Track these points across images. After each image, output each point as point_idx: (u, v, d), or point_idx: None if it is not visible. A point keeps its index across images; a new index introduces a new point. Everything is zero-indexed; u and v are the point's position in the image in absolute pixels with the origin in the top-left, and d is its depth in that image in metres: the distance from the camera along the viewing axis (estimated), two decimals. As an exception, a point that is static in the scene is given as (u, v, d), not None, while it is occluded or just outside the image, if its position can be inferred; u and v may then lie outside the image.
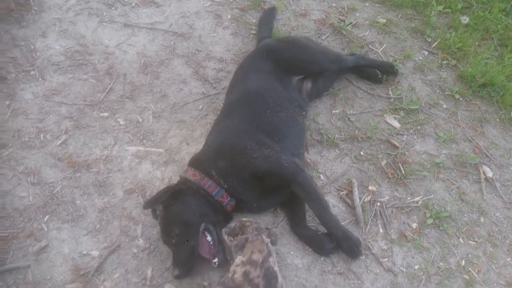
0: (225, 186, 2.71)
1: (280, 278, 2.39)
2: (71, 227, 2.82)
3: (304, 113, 3.25)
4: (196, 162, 2.83)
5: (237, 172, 2.72)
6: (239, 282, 2.29)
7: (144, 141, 3.22)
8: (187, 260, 2.58)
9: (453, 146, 3.44)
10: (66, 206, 2.89)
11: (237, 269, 2.35)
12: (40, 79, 3.39)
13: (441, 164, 3.32)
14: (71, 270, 2.65)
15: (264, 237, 2.49)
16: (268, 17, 3.91)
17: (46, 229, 2.79)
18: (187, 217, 2.62)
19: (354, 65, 3.60)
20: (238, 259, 2.40)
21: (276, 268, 2.40)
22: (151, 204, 2.68)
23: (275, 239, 2.58)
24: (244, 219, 2.58)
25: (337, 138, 3.35)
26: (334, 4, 4.23)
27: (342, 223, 2.90)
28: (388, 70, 3.70)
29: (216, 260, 2.61)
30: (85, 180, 3.00)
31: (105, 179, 3.02)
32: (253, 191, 2.72)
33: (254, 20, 3.99)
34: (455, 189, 3.22)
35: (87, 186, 2.98)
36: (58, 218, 2.84)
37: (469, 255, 2.95)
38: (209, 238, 2.65)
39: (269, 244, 2.48)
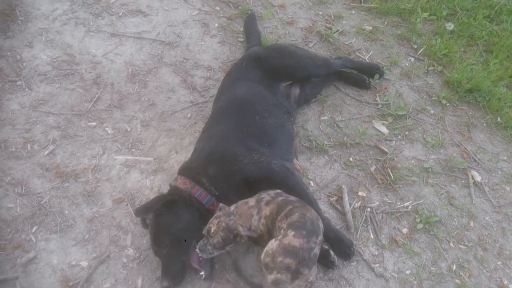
0: (216, 193, 2.70)
1: None
2: (60, 238, 2.79)
3: (292, 119, 3.27)
4: (186, 170, 2.82)
5: (228, 179, 2.72)
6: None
7: (133, 150, 3.21)
8: (177, 272, 2.57)
9: (441, 151, 3.47)
10: (54, 216, 2.86)
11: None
12: (26, 89, 3.37)
13: (430, 169, 3.35)
14: (60, 281, 2.62)
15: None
16: (251, 24, 3.94)
17: (34, 240, 2.76)
18: (179, 230, 2.61)
19: (342, 68, 3.63)
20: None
21: None
22: (143, 212, 2.65)
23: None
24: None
25: (326, 144, 3.37)
26: (320, 12, 4.27)
27: (333, 229, 2.91)
28: (375, 71, 3.75)
29: (202, 273, 2.60)
30: (73, 190, 2.98)
31: (93, 189, 3.00)
32: (244, 197, 2.72)
33: (241, 29, 4.02)
34: (444, 193, 3.25)
35: (76, 196, 2.96)
36: (46, 229, 2.81)
37: (460, 260, 2.97)
38: (198, 251, 2.62)
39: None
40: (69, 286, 2.60)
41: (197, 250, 2.57)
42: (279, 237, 2.34)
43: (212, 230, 2.46)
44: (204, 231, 2.51)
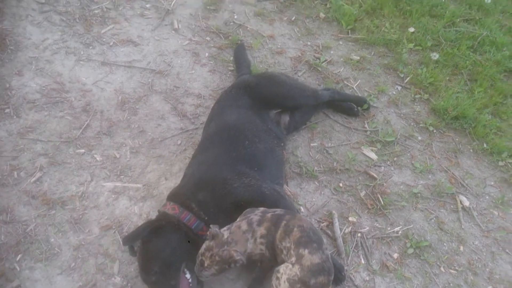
0: (206, 218, 2.66)
1: None
2: (45, 266, 2.71)
3: (282, 144, 3.27)
4: (174, 196, 2.79)
5: (218, 203, 2.69)
6: None
7: (122, 176, 3.18)
8: None
9: (430, 176, 3.49)
10: (40, 244, 2.80)
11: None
12: (14, 116, 3.35)
13: (419, 194, 3.35)
14: (44, 311, 2.54)
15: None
16: (241, 53, 3.99)
17: (18, 269, 2.68)
18: (168, 255, 2.55)
19: (330, 100, 3.67)
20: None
21: None
22: (130, 240, 2.59)
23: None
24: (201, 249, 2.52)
25: (316, 170, 3.37)
26: (309, 43, 4.34)
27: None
28: (362, 104, 3.79)
29: None
30: (59, 218, 2.92)
31: (80, 216, 2.95)
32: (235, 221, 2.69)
33: (231, 58, 4.06)
34: (434, 218, 3.25)
35: (62, 224, 2.90)
36: (31, 257, 2.74)
37: (451, 284, 2.94)
38: (188, 275, 2.58)
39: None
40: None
41: (186, 275, 2.52)
42: (294, 260, 2.34)
43: (206, 264, 2.42)
44: (197, 263, 2.47)
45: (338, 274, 2.75)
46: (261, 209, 2.59)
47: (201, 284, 2.63)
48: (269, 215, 2.52)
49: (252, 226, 2.48)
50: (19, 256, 2.73)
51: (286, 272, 2.33)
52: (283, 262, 2.45)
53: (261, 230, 2.47)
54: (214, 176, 2.78)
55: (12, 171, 3.08)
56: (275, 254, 2.50)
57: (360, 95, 3.92)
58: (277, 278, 2.36)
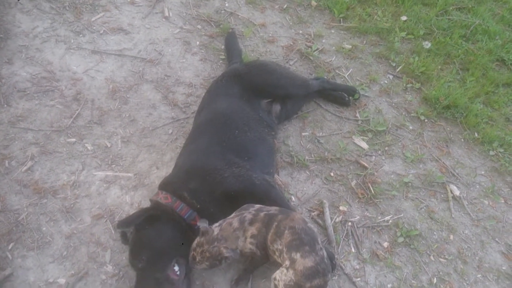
0: (198, 207, 2.70)
1: None
2: (37, 255, 2.75)
3: (273, 133, 3.31)
4: (166, 185, 2.82)
5: (209, 192, 2.73)
6: None
7: (113, 166, 3.21)
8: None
9: (421, 166, 3.54)
10: (32, 233, 2.83)
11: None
12: (5, 105, 3.35)
13: (410, 184, 3.41)
14: (36, 299, 2.59)
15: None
16: (232, 42, 4.01)
17: (10, 257, 2.71)
18: (159, 246, 2.59)
19: (320, 89, 3.70)
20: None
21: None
22: (125, 224, 2.63)
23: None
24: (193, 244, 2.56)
25: (307, 159, 3.41)
26: (300, 31, 4.36)
27: (314, 244, 2.93)
28: (351, 93, 3.83)
29: None
30: (51, 207, 2.95)
31: (72, 205, 2.98)
32: (226, 211, 2.73)
33: (222, 47, 4.08)
34: (424, 207, 3.30)
35: (54, 213, 2.93)
36: (23, 246, 2.77)
37: (441, 273, 3.00)
38: (176, 268, 2.61)
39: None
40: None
41: (175, 268, 2.57)
42: (287, 264, 2.38)
43: (197, 259, 2.48)
44: (190, 257, 2.52)
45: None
46: (257, 206, 2.63)
47: (188, 279, 2.66)
48: (262, 214, 2.55)
49: (244, 225, 2.52)
50: (11, 244, 2.77)
51: (282, 278, 2.38)
52: (276, 262, 2.51)
53: (252, 230, 2.52)
54: (205, 165, 2.82)
55: (3, 160, 3.10)
56: (267, 254, 2.55)
57: (351, 84, 3.96)
58: (275, 286, 2.42)
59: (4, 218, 2.86)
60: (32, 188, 3.01)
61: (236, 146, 2.96)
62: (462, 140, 3.77)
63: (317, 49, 4.20)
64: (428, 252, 3.08)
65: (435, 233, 3.19)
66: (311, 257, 2.36)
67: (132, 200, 3.06)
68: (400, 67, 4.17)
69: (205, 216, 2.70)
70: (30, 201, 2.96)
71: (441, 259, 3.07)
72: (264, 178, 2.84)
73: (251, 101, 3.31)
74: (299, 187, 3.29)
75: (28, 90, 3.48)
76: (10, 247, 2.76)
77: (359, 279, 2.89)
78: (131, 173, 3.19)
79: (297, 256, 2.36)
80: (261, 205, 2.65)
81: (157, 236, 2.62)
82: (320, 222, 3.11)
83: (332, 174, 3.38)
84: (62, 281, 2.67)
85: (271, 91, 3.42)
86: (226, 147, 2.92)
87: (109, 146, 3.30)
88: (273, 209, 2.60)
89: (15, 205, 2.93)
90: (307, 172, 3.37)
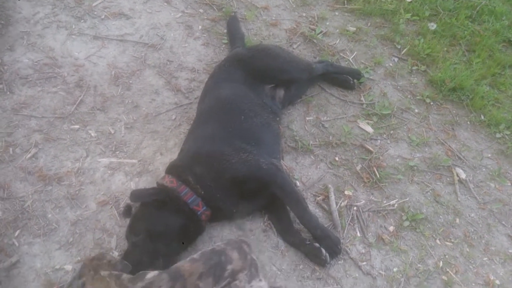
0: (202, 193, 2.73)
1: None
2: (43, 242, 2.79)
3: (278, 118, 3.32)
4: (172, 169, 2.86)
5: (216, 178, 2.75)
6: None
7: (117, 152, 3.23)
8: (134, 262, 2.53)
9: (426, 149, 3.55)
10: (38, 220, 2.86)
11: None
12: (8, 92, 3.37)
13: (415, 167, 3.42)
14: (43, 285, 2.62)
15: (102, 272, 2.38)
16: (234, 26, 4.00)
17: (17, 244, 2.75)
18: (156, 233, 2.64)
19: (324, 73, 3.70)
20: None
21: None
22: (137, 198, 2.68)
23: (125, 268, 2.46)
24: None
25: (311, 144, 3.42)
26: (304, 14, 4.34)
27: (319, 228, 2.97)
28: (356, 76, 3.83)
29: None
30: (56, 193, 2.98)
31: (77, 192, 3.01)
32: (232, 197, 2.75)
33: (225, 31, 4.07)
34: (430, 191, 3.32)
35: (59, 199, 2.96)
36: (30, 233, 2.81)
37: (447, 256, 3.03)
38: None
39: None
40: (50, 288, 2.62)
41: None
42: None
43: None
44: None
45: (334, 248, 2.85)
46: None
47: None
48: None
49: None
50: (18, 231, 2.80)
51: None
52: None
53: None
54: (212, 151, 2.84)
55: (8, 148, 3.12)
56: None
57: (355, 67, 3.95)
58: None
59: (10, 206, 2.89)
60: (36, 175, 3.04)
61: (242, 132, 2.98)
62: (468, 122, 3.77)
63: (321, 32, 4.19)
64: (434, 235, 3.11)
65: (441, 216, 3.21)
66: None
67: (137, 186, 3.08)
68: (405, 50, 4.16)
69: (210, 201, 2.74)
70: (35, 188, 2.99)
71: (447, 243, 3.09)
72: (271, 162, 2.86)
73: (255, 87, 3.31)
74: (304, 172, 3.30)
75: (31, 77, 3.49)
76: (16, 234, 2.79)
77: (365, 263, 2.92)
78: (135, 159, 3.21)
79: None
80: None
81: (159, 222, 2.67)
82: (325, 207, 3.13)
83: (337, 158, 3.39)
84: (68, 267, 2.71)
85: (275, 75, 3.42)
86: (232, 133, 2.94)
87: (112, 132, 3.32)
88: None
89: (20, 192, 2.96)
90: (312, 157, 3.38)
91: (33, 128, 3.25)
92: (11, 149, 3.13)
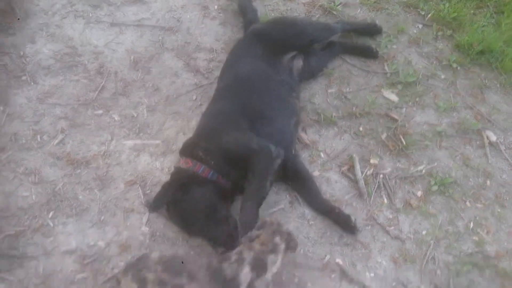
0: (212, 162, 3.03)
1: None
2: (76, 221, 3.17)
3: (294, 94, 3.55)
4: (184, 150, 3.20)
5: (218, 152, 3.06)
6: None
7: (141, 134, 3.59)
8: (223, 237, 2.90)
9: (454, 114, 3.79)
10: (69, 202, 3.25)
11: None
12: (32, 83, 3.77)
13: (443, 133, 3.67)
14: (79, 261, 3.01)
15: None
16: (246, 2, 4.28)
17: (52, 225, 3.14)
18: (204, 207, 2.95)
19: (343, 31, 4.01)
20: None
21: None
22: (156, 207, 2.98)
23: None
24: (267, 218, 2.78)
25: (334, 116, 3.70)
26: (322, -14, 4.62)
27: (345, 197, 3.31)
28: (373, 28, 4.15)
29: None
30: (85, 176, 3.36)
31: (105, 173, 3.38)
32: (241, 170, 3.03)
33: (240, 8, 4.38)
34: (459, 155, 3.57)
35: (88, 182, 3.34)
36: (63, 214, 3.19)
37: (477, 218, 3.28)
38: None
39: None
40: (86, 263, 3.00)
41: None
42: None
43: None
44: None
45: (346, 225, 3.17)
46: None
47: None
48: None
49: None
50: (51, 213, 3.19)
51: None
52: None
53: None
54: (211, 126, 3.23)
55: (35, 135, 3.52)
56: None
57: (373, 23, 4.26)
58: None
59: (42, 189, 3.29)
60: (65, 160, 3.42)
61: (251, 110, 3.26)
62: (498, 85, 3.98)
63: (340, 3, 4.44)
64: (463, 198, 3.36)
65: (471, 179, 3.45)
66: None
67: (162, 165, 3.44)
68: (429, 15, 4.38)
69: (222, 174, 3.05)
70: (64, 172, 3.37)
71: (478, 205, 3.34)
72: (266, 146, 3.05)
73: (273, 61, 3.57)
74: (328, 143, 3.59)
75: (53, 67, 3.88)
76: (50, 216, 3.18)
77: (392, 227, 3.21)
78: (159, 140, 3.57)
79: None
80: None
81: (198, 199, 2.98)
82: (351, 176, 3.41)
83: (361, 128, 3.67)
84: (102, 243, 3.09)
85: (295, 41, 3.68)
86: (238, 111, 3.24)
87: (135, 115, 3.69)
88: None
89: (50, 176, 3.35)
90: (335, 129, 3.66)
91: (58, 115, 3.64)
92: (38, 136, 3.53)
